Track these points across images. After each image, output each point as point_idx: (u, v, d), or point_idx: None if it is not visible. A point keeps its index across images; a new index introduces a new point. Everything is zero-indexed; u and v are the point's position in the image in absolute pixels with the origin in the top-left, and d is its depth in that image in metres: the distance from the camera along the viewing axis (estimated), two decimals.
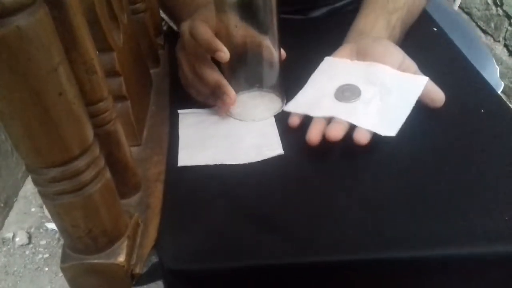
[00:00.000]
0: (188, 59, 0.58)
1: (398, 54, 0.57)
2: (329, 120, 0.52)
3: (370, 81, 0.55)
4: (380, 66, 0.55)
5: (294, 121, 0.55)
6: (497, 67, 0.85)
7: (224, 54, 0.52)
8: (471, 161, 0.50)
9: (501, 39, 1.63)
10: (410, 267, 0.43)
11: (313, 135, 0.51)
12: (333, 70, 0.58)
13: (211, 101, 0.58)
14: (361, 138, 0.49)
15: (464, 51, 0.68)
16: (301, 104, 0.56)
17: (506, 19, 1.59)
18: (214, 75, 0.55)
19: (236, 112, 0.58)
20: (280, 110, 0.58)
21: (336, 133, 0.50)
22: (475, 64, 0.65)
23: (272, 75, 0.58)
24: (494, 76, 0.83)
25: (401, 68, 0.56)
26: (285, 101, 0.58)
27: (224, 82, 0.55)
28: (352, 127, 0.51)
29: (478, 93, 0.60)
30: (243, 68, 0.57)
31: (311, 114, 0.53)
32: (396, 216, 0.44)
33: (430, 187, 0.47)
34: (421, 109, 0.55)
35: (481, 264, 0.42)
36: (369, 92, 0.54)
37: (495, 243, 0.41)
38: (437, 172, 0.49)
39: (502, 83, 0.84)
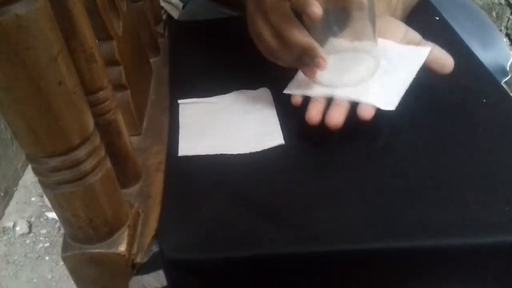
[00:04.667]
0: (269, 23, 0.52)
1: (400, 27, 0.56)
2: (329, 99, 0.51)
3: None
4: (381, 40, 0.55)
5: (297, 101, 0.52)
6: (504, 40, 0.85)
7: (318, 10, 0.46)
8: (472, 151, 0.50)
9: (502, 28, 1.62)
10: (410, 257, 0.43)
11: (313, 114, 0.50)
12: (333, 48, 0.58)
13: (298, 66, 0.53)
14: (365, 113, 0.49)
15: (471, 28, 0.67)
16: (301, 83, 0.54)
17: (508, 8, 1.58)
18: (303, 38, 0.49)
19: (326, 78, 0.52)
20: (376, 70, 0.53)
21: (336, 119, 0.49)
22: (482, 40, 0.64)
23: (362, 31, 0.52)
24: (503, 50, 0.82)
25: (405, 40, 0.55)
26: (380, 61, 0.53)
27: (315, 44, 0.49)
28: (352, 108, 0.50)
29: (480, 83, 0.59)
30: (328, 28, 0.51)
31: (311, 94, 0.52)
32: (396, 206, 0.44)
33: (430, 177, 0.47)
34: (422, 98, 0.55)
35: (481, 254, 0.42)
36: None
37: (496, 233, 0.41)
38: (438, 162, 0.48)
39: None
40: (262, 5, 0.51)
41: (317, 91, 0.52)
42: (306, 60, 0.50)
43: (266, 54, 0.54)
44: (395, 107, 0.49)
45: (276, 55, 0.53)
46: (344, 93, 0.51)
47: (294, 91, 0.54)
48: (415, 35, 0.56)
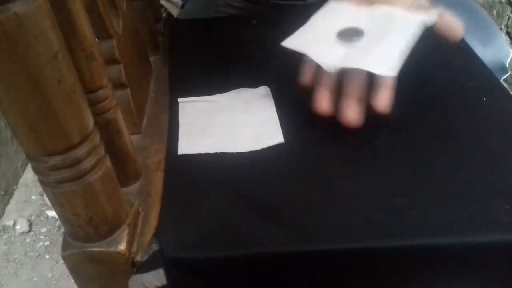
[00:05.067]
0: None
1: None
2: (334, 87, 0.50)
3: (375, 23, 0.53)
4: (386, 7, 0.54)
5: (307, 77, 0.51)
6: (504, 37, 0.85)
7: None
8: (472, 149, 0.50)
9: (503, 26, 1.62)
10: (410, 256, 0.43)
11: (325, 107, 0.49)
12: (336, 12, 0.56)
13: None
14: (381, 107, 0.48)
15: (470, 25, 0.67)
16: (300, 41, 0.53)
17: (508, 6, 1.58)
18: None
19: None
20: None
21: (354, 118, 0.48)
22: (482, 37, 0.64)
23: None
24: (503, 47, 0.82)
25: (414, 5, 0.54)
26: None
27: None
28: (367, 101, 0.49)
29: (480, 81, 0.59)
30: None
31: (309, 54, 0.51)
32: (396, 205, 0.44)
33: (430, 176, 0.47)
34: (421, 96, 0.55)
35: (482, 253, 0.42)
36: (373, 34, 0.52)
37: (495, 232, 0.41)
38: (437, 160, 0.48)
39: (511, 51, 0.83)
40: None
41: (315, 53, 0.51)
42: None
43: None
44: (396, 72, 0.48)
45: None
46: (343, 60, 0.49)
47: (292, 46, 0.53)
48: (423, 0, 0.54)
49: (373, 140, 0.51)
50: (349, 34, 0.52)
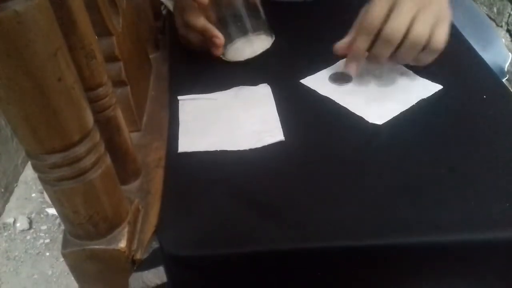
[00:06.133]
0: (181, 14, 0.63)
1: None
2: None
3: (368, 71, 0.60)
4: (393, 64, 0.59)
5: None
6: (502, 39, 0.85)
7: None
8: (472, 147, 0.50)
9: (503, 24, 1.62)
10: (410, 254, 0.43)
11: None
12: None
13: (206, 46, 0.63)
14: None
15: (469, 29, 0.67)
16: (316, 80, 0.61)
17: (509, 3, 1.58)
18: (199, 21, 0.60)
19: (231, 55, 0.64)
20: (270, 45, 0.64)
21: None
22: (481, 41, 0.64)
23: (257, 18, 0.63)
24: (502, 51, 0.82)
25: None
26: (274, 37, 0.65)
27: (210, 25, 0.60)
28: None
29: (481, 79, 0.59)
30: (231, 21, 0.62)
31: (320, 91, 0.59)
32: (396, 202, 0.44)
33: (431, 173, 0.47)
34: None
35: (481, 251, 0.42)
36: (361, 80, 0.59)
37: (496, 230, 0.41)
38: (438, 158, 0.48)
39: (510, 54, 0.83)
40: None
41: (323, 90, 0.58)
42: (208, 40, 0.61)
43: (182, 41, 0.66)
44: (382, 123, 0.53)
45: (187, 39, 0.64)
46: (334, 97, 0.57)
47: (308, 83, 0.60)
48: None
49: (373, 139, 0.51)
50: (339, 80, 0.60)
